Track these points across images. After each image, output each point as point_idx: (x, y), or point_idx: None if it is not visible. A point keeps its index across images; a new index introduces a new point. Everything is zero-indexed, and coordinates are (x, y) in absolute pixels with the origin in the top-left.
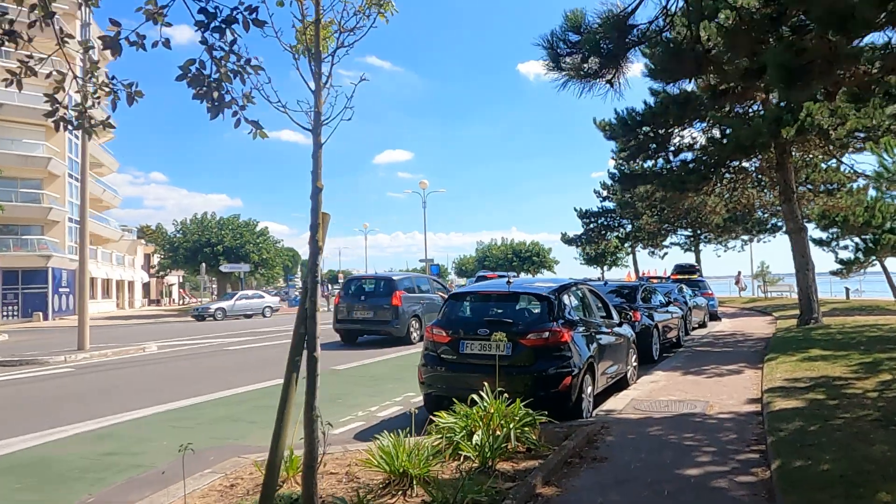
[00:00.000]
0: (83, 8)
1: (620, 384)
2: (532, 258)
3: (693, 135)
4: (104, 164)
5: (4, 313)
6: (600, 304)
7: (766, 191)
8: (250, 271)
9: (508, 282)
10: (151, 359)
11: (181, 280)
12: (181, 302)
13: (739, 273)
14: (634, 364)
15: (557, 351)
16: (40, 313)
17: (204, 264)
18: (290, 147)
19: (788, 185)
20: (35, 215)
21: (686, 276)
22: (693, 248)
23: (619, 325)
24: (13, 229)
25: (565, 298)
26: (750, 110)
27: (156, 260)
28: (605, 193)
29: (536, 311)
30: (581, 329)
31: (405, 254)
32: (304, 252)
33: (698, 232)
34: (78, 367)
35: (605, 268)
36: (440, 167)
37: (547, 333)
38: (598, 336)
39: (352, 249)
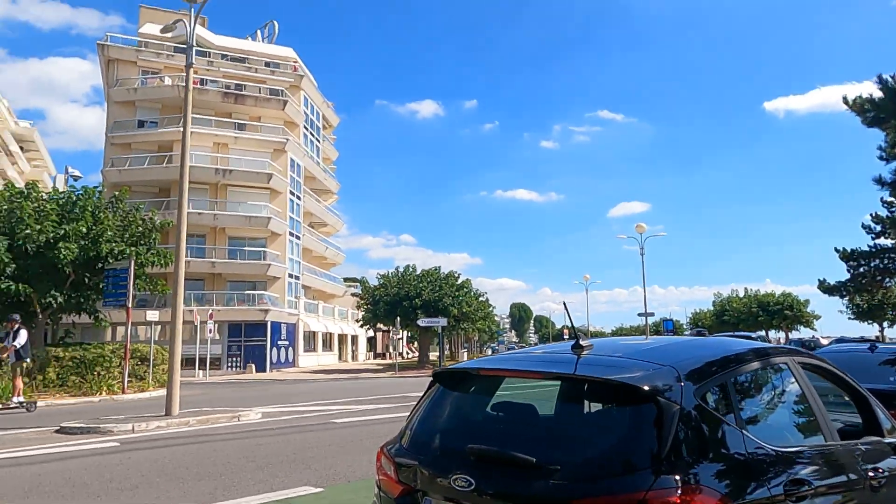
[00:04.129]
0: (304, 80)
1: None
2: (783, 312)
3: None
4: (328, 223)
5: (230, 364)
6: (846, 397)
7: None
8: (451, 326)
9: (577, 346)
10: (235, 431)
11: (409, 334)
12: (407, 356)
13: None
14: None
15: None
16: (253, 365)
17: (399, 318)
18: (524, 205)
19: None
20: (258, 272)
21: None
22: None
23: None
24: (240, 285)
25: (716, 395)
26: None
27: (361, 314)
28: (878, 228)
29: (620, 432)
30: (770, 480)
31: (643, 308)
32: (538, 308)
33: None
34: (127, 442)
35: (885, 324)
36: (680, 216)
37: None
38: (827, 492)
39: (585, 305)
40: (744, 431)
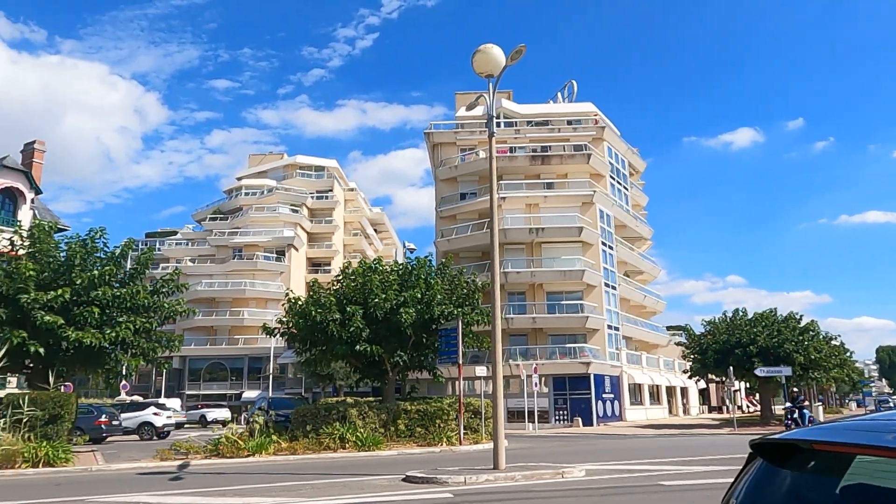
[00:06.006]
0: (606, 131)
1: None
2: None
3: None
4: (644, 270)
5: (557, 417)
6: None
7: None
8: (797, 375)
9: None
10: (558, 489)
11: (747, 385)
12: (748, 409)
13: None
14: None
15: None
16: (580, 419)
17: (731, 368)
18: (879, 228)
19: None
20: (576, 324)
21: None
22: None
23: None
24: (560, 339)
25: None
26: None
27: (688, 364)
28: None
29: None
30: None
31: None
32: None
33: None
34: (459, 493)
35: None
36: None
37: None
38: None
39: None
40: None
